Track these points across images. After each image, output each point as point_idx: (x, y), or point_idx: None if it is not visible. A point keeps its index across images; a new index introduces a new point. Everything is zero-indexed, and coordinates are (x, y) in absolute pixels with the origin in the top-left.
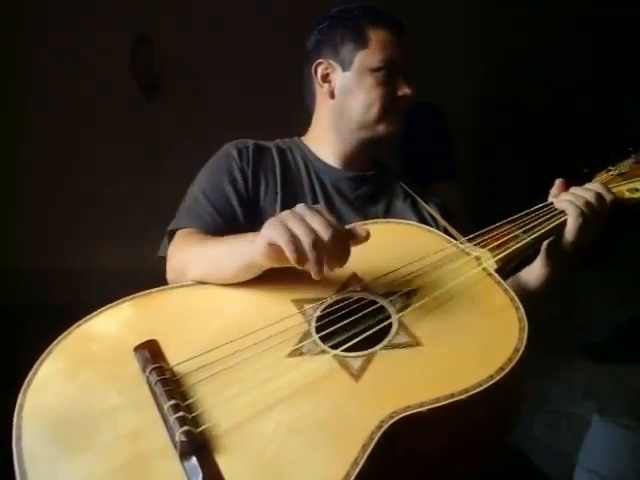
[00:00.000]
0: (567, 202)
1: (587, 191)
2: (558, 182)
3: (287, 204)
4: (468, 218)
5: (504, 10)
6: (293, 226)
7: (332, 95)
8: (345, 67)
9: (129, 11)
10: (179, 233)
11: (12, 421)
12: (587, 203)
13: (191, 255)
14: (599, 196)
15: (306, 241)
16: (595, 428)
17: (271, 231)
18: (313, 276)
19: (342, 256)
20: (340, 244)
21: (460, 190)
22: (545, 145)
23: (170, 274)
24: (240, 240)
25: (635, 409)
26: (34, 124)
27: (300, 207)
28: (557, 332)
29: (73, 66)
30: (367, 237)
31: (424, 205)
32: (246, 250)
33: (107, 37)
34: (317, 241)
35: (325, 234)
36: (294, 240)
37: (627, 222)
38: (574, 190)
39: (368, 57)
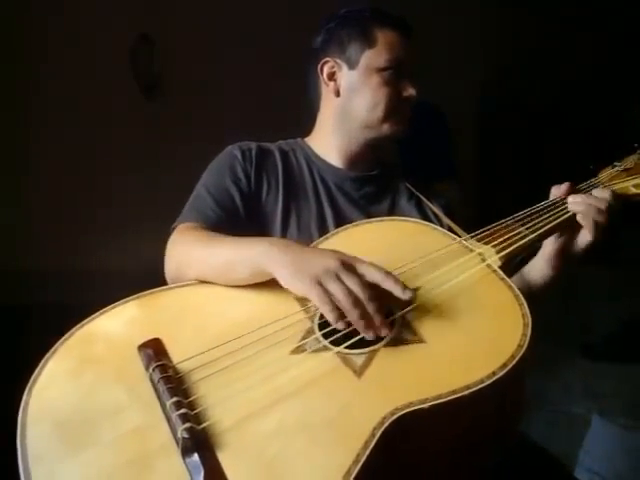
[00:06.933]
0: (581, 204)
1: (598, 200)
2: (566, 185)
3: (289, 205)
4: (468, 218)
5: (504, 10)
6: (331, 288)
7: (337, 93)
8: (351, 66)
9: (129, 11)
10: (179, 227)
11: (15, 420)
12: (598, 209)
13: (194, 253)
14: (608, 202)
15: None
16: (595, 428)
17: (306, 289)
18: (363, 334)
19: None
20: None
21: (460, 190)
22: (545, 145)
23: (169, 269)
24: (247, 246)
25: (635, 408)
26: (34, 124)
27: (335, 265)
28: (556, 331)
29: (73, 66)
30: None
31: (429, 204)
32: (258, 263)
33: (107, 37)
34: (357, 300)
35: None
36: (333, 304)
37: (627, 220)
38: (583, 197)
39: (375, 56)
